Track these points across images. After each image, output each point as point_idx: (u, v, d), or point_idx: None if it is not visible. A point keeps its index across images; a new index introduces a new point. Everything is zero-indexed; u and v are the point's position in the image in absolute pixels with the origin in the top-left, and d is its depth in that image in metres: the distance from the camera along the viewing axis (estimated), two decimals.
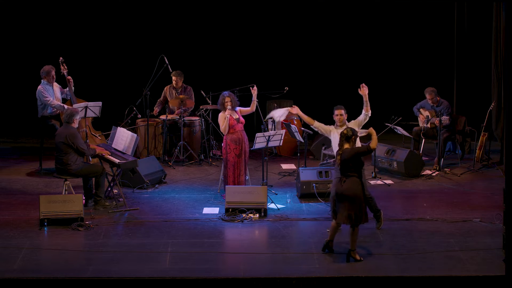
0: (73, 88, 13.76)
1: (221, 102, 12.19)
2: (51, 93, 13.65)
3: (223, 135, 12.24)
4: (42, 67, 13.76)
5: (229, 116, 12.05)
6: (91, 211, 11.67)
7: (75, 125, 11.80)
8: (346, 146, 9.91)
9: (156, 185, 13.11)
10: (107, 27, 16.37)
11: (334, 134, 11.46)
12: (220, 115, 12.22)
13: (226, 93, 12.27)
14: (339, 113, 11.42)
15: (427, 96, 14.09)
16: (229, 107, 12.09)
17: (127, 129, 12.63)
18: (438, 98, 14.09)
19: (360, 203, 9.75)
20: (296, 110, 11.77)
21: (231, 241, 10.80)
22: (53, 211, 11.06)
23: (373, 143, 10.00)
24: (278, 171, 14.07)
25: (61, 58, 13.77)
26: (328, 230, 10.75)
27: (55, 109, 13.60)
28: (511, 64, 8.72)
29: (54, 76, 13.70)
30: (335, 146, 11.38)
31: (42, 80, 13.67)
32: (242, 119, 12.25)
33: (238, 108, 12.27)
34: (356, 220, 9.73)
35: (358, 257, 9.77)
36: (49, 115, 13.65)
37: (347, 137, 9.92)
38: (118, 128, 12.53)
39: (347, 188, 9.75)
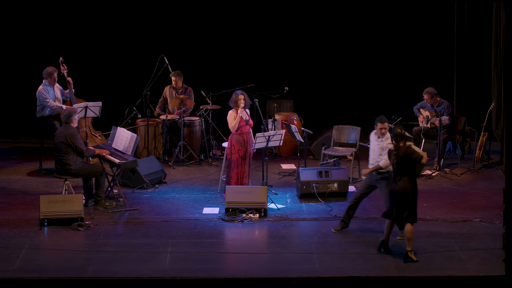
0: (73, 89, 13.76)
1: (234, 100, 12.12)
2: (52, 94, 13.65)
3: (229, 134, 12.23)
4: (42, 67, 13.76)
5: (241, 116, 12.02)
6: (91, 211, 11.67)
7: (74, 124, 11.79)
8: (401, 144, 9.95)
9: (156, 185, 13.10)
10: (107, 27, 16.35)
11: (373, 144, 10.86)
12: (230, 112, 12.16)
13: (239, 91, 12.20)
14: (383, 127, 10.69)
15: (424, 96, 14.06)
16: (242, 105, 12.06)
17: (127, 129, 12.63)
18: (438, 99, 14.06)
19: (413, 202, 9.85)
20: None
21: (231, 241, 10.79)
22: (53, 211, 11.05)
23: (424, 159, 10.00)
24: (278, 171, 14.05)
25: (61, 58, 13.76)
26: (333, 230, 10.79)
27: (54, 111, 13.60)
28: (511, 64, 8.72)
29: (56, 78, 13.69)
30: (372, 157, 10.78)
31: (43, 81, 13.67)
32: (251, 122, 12.22)
33: (247, 110, 12.24)
34: (407, 218, 9.81)
35: (414, 258, 9.77)
36: (48, 115, 13.64)
37: (401, 135, 9.93)
38: (118, 128, 12.53)
39: (401, 187, 9.85)
